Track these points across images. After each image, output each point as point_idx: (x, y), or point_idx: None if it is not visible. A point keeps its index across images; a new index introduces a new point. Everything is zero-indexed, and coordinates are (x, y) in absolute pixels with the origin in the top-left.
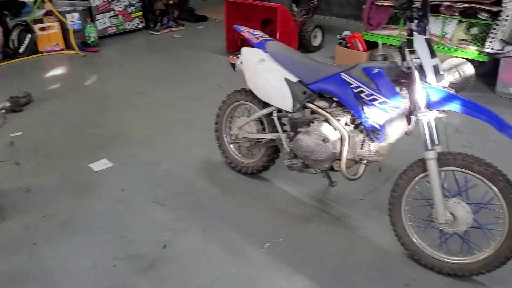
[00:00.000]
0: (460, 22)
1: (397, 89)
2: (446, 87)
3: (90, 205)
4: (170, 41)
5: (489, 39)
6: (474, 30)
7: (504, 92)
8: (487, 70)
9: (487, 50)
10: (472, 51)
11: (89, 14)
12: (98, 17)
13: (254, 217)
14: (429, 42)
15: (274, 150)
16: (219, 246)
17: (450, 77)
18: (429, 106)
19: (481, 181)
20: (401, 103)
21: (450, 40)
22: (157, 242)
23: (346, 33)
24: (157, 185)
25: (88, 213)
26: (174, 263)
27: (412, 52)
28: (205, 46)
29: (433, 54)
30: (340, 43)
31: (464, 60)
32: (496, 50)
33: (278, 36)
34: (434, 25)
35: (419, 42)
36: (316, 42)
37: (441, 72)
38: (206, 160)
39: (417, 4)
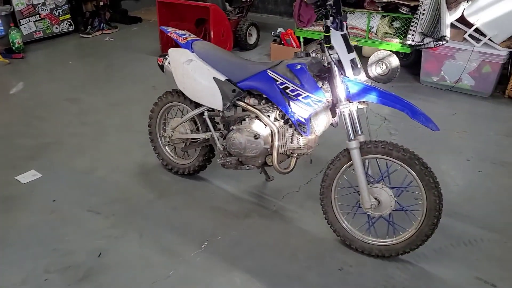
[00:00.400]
0: (383, 16)
1: (320, 83)
2: (364, 80)
3: (18, 219)
4: (102, 44)
5: (410, 32)
6: (396, 24)
7: (427, 81)
8: (412, 61)
9: (409, 42)
10: (396, 43)
11: (12, 19)
12: (22, 21)
13: (192, 217)
14: (346, 38)
15: (209, 149)
16: (157, 249)
17: (378, 69)
18: (349, 98)
19: (400, 166)
20: (323, 96)
21: (375, 34)
22: (92, 251)
23: (280, 30)
24: (91, 193)
25: (16, 228)
26: (111, 271)
27: (330, 47)
28: (139, 48)
29: (350, 49)
30: (274, 40)
31: (389, 52)
32: (417, 42)
33: (212, 35)
34: (360, 20)
35: (336, 38)
36: (251, 40)
37: (359, 66)
38: (142, 164)
39: (331, 2)
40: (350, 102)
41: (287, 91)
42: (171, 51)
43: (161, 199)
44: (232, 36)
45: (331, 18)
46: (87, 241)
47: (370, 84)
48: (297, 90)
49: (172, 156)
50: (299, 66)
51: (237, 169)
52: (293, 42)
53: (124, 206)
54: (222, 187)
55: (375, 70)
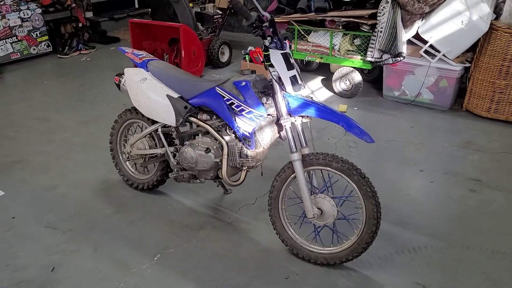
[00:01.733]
0: (345, 34)
1: (264, 99)
2: (304, 95)
3: None
4: (79, 64)
5: (370, 49)
6: (357, 41)
7: (389, 95)
8: (376, 77)
9: (369, 58)
10: (358, 60)
11: None
12: None
13: (147, 231)
14: (286, 56)
15: (167, 164)
16: (110, 263)
17: (342, 85)
18: (290, 112)
19: (341, 176)
20: (264, 112)
21: (338, 51)
22: (45, 266)
23: (250, 48)
24: (51, 209)
25: None
26: (62, 285)
27: (271, 65)
28: (115, 67)
29: (290, 66)
30: (244, 58)
31: (352, 68)
32: (376, 58)
33: (183, 54)
34: (324, 38)
35: (275, 57)
36: (224, 58)
37: (299, 82)
38: (104, 180)
39: (266, 24)
40: (291, 116)
41: (233, 106)
42: (127, 70)
43: (118, 214)
44: (205, 54)
45: (268, 38)
46: (41, 256)
47: (310, 99)
48: (241, 105)
49: (132, 172)
50: (243, 83)
51: (190, 183)
52: (261, 59)
53: (81, 221)
54: (180, 201)
55: (340, 86)
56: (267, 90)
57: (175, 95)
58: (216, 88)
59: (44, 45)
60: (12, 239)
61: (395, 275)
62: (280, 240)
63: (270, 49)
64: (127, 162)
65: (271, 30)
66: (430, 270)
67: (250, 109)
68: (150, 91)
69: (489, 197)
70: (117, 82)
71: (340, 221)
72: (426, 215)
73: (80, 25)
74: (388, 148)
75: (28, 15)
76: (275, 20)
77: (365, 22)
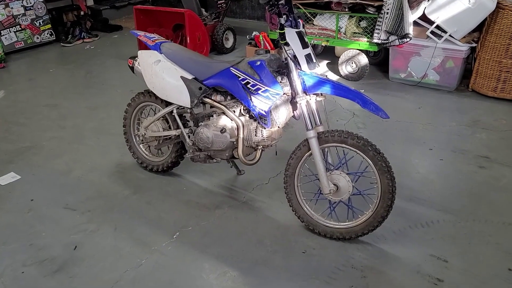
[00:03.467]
0: (351, 17)
1: (279, 78)
2: (319, 73)
3: None
4: (83, 52)
5: (376, 31)
6: (364, 24)
7: (395, 77)
8: (382, 59)
9: (375, 40)
10: (364, 42)
11: None
12: (3, 32)
13: (165, 210)
14: (300, 35)
15: (181, 146)
16: (130, 241)
17: (348, 68)
18: (306, 91)
19: (356, 152)
20: (281, 90)
21: (344, 33)
22: (67, 245)
23: (254, 33)
24: (68, 192)
25: None
26: (85, 262)
27: (286, 44)
28: (119, 54)
29: (304, 45)
30: (250, 43)
31: (358, 51)
32: (383, 40)
33: (188, 40)
34: (329, 21)
35: (290, 35)
36: (228, 44)
37: (314, 61)
38: (118, 164)
39: (282, 1)
40: (307, 95)
41: (248, 86)
42: (140, 52)
43: (135, 195)
44: (209, 40)
45: (284, 16)
46: (63, 236)
47: (325, 77)
48: (257, 84)
49: (146, 154)
50: (258, 63)
51: (206, 163)
52: (267, 44)
53: (99, 202)
54: (195, 182)
55: (346, 69)
56: (281, 69)
57: (190, 77)
58: (231, 68)
59: (47, 33)
60: (33, 220)
61: (409, 248)
62: (296, 216)
63: (285, 28)
64: (141, 145)
65: (287, 8)
66: (444, 243)
67: (266, 87)
68: (164, 73)
69: (498, 173)
70: (130, 65)
71: (355, 196)
72: (437, 191)
73: (82, 13)
74: (397, 128)
75: (31, 3)
76: None
77: (371, 3)
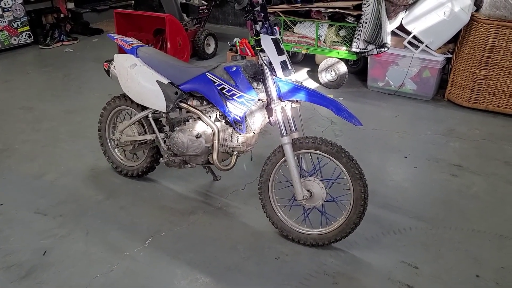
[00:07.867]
0: (330, 25)
1: (254, 84)
2: (294, 80)
3: None
4: (61, 55)
5: (355, 40)
6: (343, 32)
7: (373, 86)
8: (361, 68)
9: (354, 49)
10: (343, 51)
11: None
12: None
13: (139, 216)
14: (276, 42)
15: (157, 150)
16: (102, 246)
17: (327, 76)
18: (281, 97)
19: (329, 159)
20: (255, 96)
21: (324, 42)
22: (37, 250)
23: (236, 40)
24: (40, 196)
25: None
26: (54, 268)
27: (262, 50)
28: (98, 58)
29: (280, 51)
30: (231, 49)
31: (338, 59)
32: (361, 49)
33: (168, 45)
34: (310, 29)
35: (266, 42)
36: (210, 50)
37: (289, 67)
38: (92, 168)
39: (257, 8)
40: (282, 101)
41: (224, 91)
42: (116, 56)
43: (109, 200)
44: (190, 45)
45: (260, 23)
46: (32, 241)
47: (300, 84)
48: (232, 90)
49: (121, 159)
50: (234, 68)
51: (181, 168)
52: (248, 51)
53: (72, 207)
54: (170, 187)
55: (325, 77)
56: (257, 75)
57: (165, 81)
58: (207, 73)
59: (26, 35)
60: (2, 224)
61: (381, 254)
62: (270, 223)
63: (261, 34)
64: (116, 149)
65: (262, 15)
66: (415, 250)
67: (241, 93)
68: (140, 77)
69: (469, 181)
70: (106, 68)
71: (328, 203)
72: (410, 198)
73: (62, 16)
74: (373, 136)
75: (9, 4)
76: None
77: (350, 13)
